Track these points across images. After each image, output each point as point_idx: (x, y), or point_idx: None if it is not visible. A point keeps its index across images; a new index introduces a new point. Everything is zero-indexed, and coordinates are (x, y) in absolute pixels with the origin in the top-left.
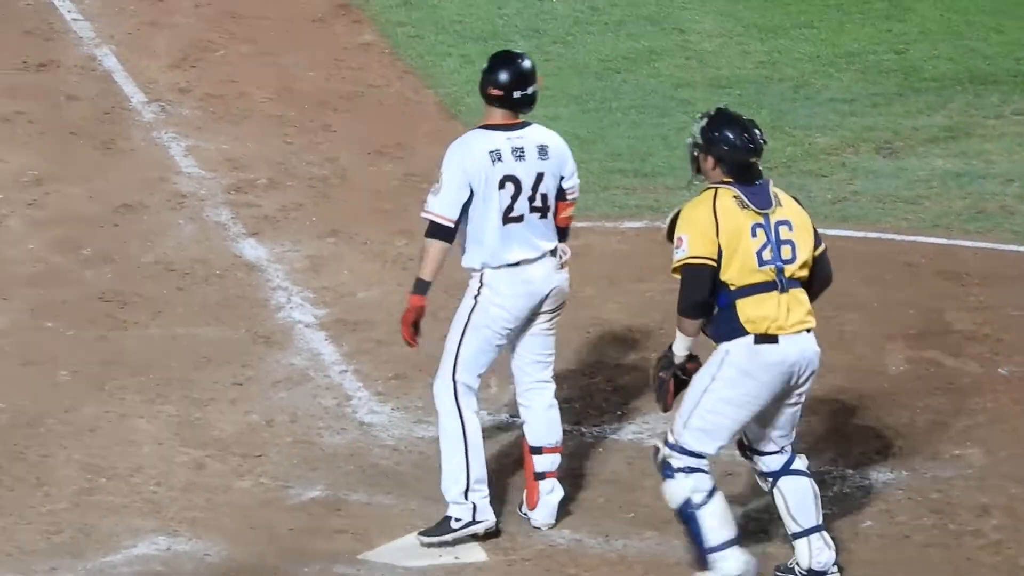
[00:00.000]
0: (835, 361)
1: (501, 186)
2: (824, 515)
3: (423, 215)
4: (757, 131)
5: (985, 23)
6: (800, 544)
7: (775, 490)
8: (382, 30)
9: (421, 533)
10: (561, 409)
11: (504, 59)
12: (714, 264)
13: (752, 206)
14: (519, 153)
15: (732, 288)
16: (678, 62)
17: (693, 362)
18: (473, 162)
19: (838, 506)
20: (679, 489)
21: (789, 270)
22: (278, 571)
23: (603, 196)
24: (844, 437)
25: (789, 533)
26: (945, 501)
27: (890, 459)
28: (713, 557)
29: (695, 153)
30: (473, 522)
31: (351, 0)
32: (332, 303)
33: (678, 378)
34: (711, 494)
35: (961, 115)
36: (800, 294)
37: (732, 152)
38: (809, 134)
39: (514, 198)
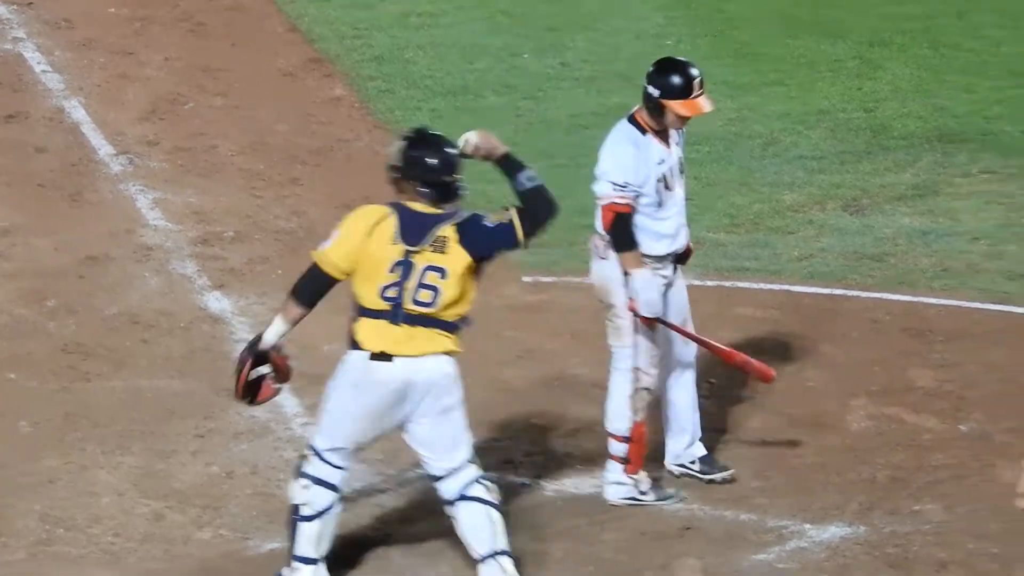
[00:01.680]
0: (797, 416)
1: None
2: (782, 569)
3: None
4: (453, 150)
5: (956, 82)
6: (480, 569)
7: (453, 517)
8: (353, 84)
9: None
10: (522, 463)
11: None
12: (337, 277)
13: (403, 242)
14: None
15: (360, 304)
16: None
17: (279, 355)
18: None
19: (796, 560)
20: (296, 495)
21: (418, 311)
22: None
23: (570, 251)
24: (804, 491)
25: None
26: (903, 556)
27: (849, 514)
28: (295, 565)
29: (395, 176)
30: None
31: (323, 55)
32: (296, 356)
33: (257, 364)
34: (322, 514)
35: (929, 173)
36: (430, 332)
37: (428, 173)
38: (777, 191)
39: None
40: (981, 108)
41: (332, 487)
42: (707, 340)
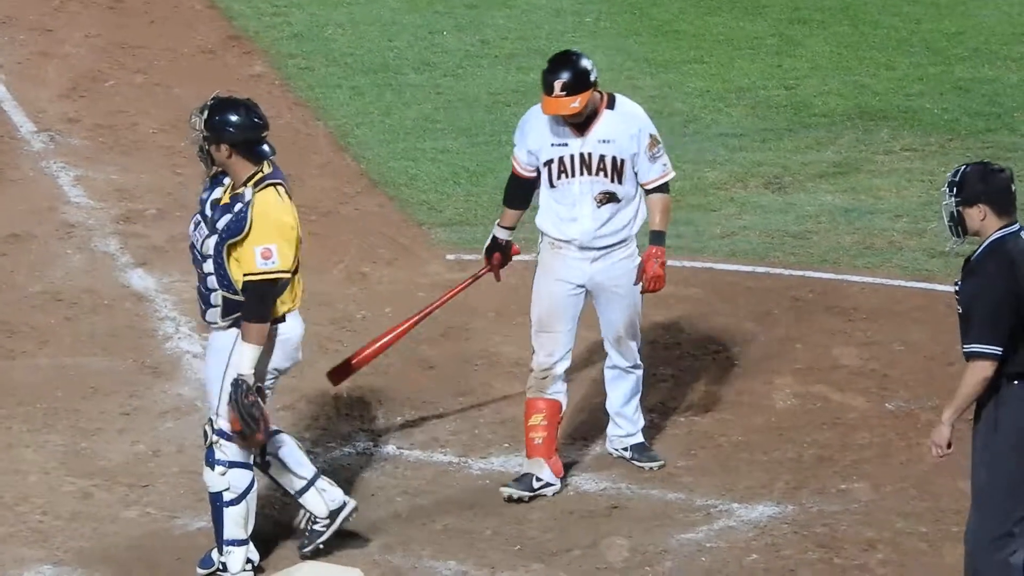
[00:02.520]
0: (722, 395)
1: None
2: (710, 548)
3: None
4: (258, 108)
5: (876, 59)
6: (310, 497)
7: (271, 459)
8: (273, 62)
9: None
10: (448, 442)
11: None
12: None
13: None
14: None
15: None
16: None
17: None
18: None
19: (724, 539)
20: (216, 482)
21: None
22: None
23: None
24: (730, 471)
25: (294, 494)
26: (831, 535)
27: (776, 493)
28: (227, 549)
29: (206, 147)
30: None
31: (242, 32)
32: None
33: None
34: (244, 494)
35: (850, 151)
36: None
37: (242, 133)
38: (698, 168)
39: None
40: (902, 85)
41: (248, 465)
42: (395, 330)
